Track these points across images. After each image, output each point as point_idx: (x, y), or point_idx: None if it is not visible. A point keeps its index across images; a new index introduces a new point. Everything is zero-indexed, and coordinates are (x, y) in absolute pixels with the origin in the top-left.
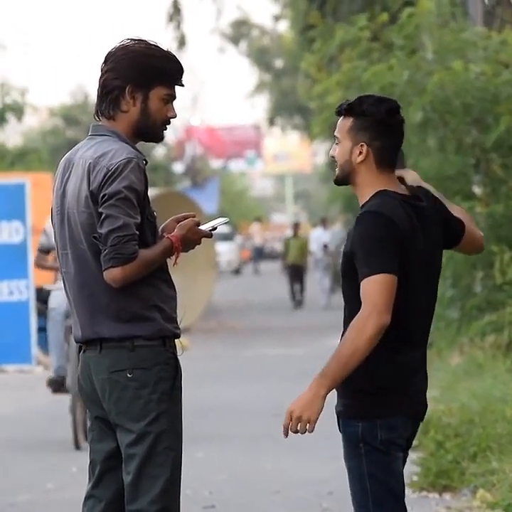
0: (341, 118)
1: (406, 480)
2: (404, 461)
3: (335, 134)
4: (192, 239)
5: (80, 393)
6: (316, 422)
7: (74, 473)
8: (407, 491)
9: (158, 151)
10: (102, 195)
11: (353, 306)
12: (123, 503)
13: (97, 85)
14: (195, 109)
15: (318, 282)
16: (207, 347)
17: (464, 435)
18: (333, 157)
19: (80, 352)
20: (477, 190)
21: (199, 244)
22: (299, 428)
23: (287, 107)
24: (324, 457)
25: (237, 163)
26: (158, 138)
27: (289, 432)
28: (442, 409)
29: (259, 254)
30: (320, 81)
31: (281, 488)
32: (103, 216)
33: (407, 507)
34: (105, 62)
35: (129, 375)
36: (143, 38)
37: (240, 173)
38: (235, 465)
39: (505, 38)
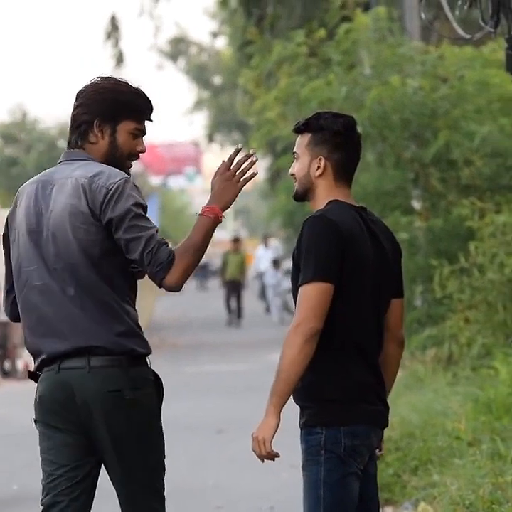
0: (299, 136)
1: None
2: (370, 470)
3: (294, 150)
4: (228, 188)
5: (43, 410)
6: (270, 440)
7: None
8: None
9: None
10: (110, 218)
11: None
12: None
13: (68, 120)
14: None
15: (258, 298)
16: (152, 359)
17: (404, 449)
18: (292, 175)
19: (43, 370)
20: (416, 204)
21: (240, 184)
22: (258, 450)
23: (226, 123)
24: (266, 472)
25: (176, 179)
26: (124, 170)
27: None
28: None
29: (204, 270)
30: (258, 97)
31: (224, 503)
32: (125, 242)
33: None
34: (76, 98)
35: (126, 397)
36: (112, 76)
37: (180, 189)
38: (178, 480)
39: (443, 53)
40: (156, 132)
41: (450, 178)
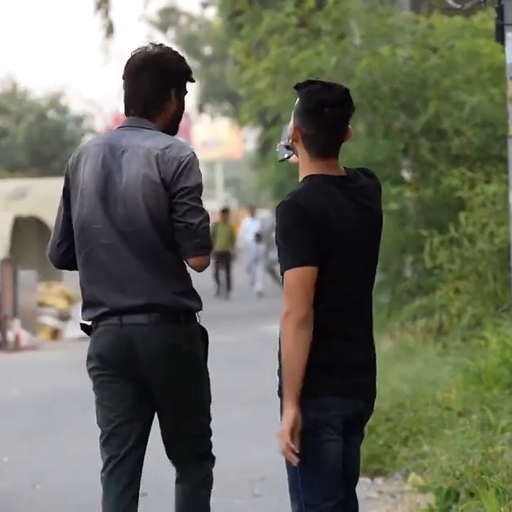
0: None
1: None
2: (355, 440)
3: None
4: None
5: (103, 362)
6: (288, 432)
7: None
8: None
9: (88, 140)
10: (182, 186)
11: None
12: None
13: (131, 87)
14: None
15: (246, 271)
16: None
17: (395, 419)
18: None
19: (101, 322)
20: (406, 175)
21: None
22: (280, 445)
23: (216, 94)
24: (258, 443)
25: None
26: (177, 130)
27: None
28: None
29: None
30: (248, 67)
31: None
32: (188, 207)
33: None
34: (138, 69)
35: (183, 350)
36: (159, 43)
37: None
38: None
39: (433, 23)
40: None
41: (440, 149)
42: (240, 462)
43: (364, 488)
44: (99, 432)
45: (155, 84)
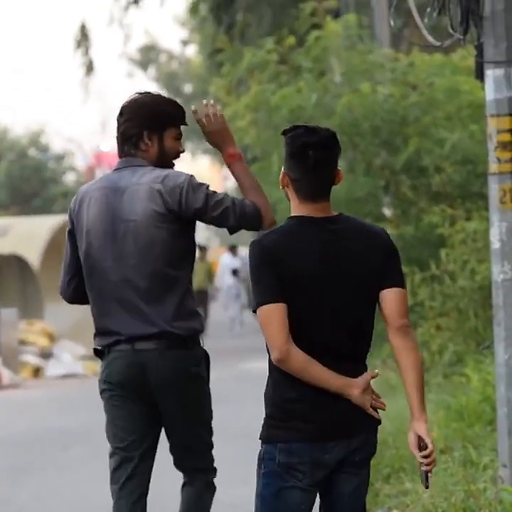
0: None
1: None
2: (347, 483)
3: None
4: (220, 132)
5: (115, 384)
6: (366, 398)
7: None
8: None
9: (69, 177)
10: (196, 208)
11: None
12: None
13: (116, 134)
14: (105, 135)
15: (224, 309)
16: None
17: (377, 456)
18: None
19: (114, 348)
20: (387, 211)
21: (220, 121)
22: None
23: (197, 131)
24: (239, 481)
25: None
26: (172, 167)
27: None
28: None
29: None
30: (229, 105)
31: None
32: (217, 218)
33: None
34: (121, 114)
35: (191, 373)
36: (148, 90)
37: None
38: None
39: (413, 60)
40: None
41: (421, 185)
42: (220, 500)
43: None
44: (80, 469)
45: (126, 128)
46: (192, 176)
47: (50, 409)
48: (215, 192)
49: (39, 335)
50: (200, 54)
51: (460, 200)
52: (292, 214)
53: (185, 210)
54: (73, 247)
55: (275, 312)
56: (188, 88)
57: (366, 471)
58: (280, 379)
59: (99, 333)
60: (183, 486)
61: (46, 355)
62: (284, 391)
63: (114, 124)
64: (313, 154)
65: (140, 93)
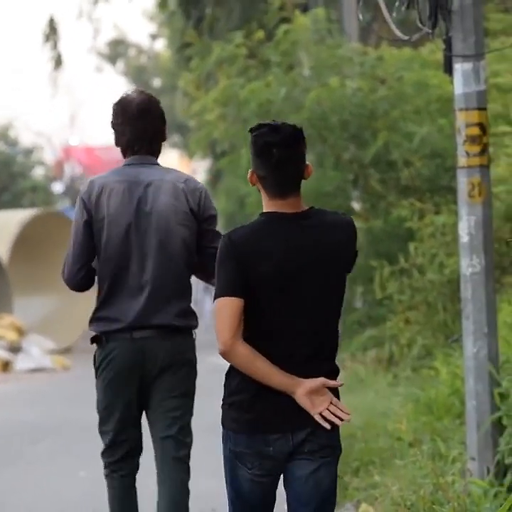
0: None
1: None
2: (301, 472)
3: None
4: None
5: (113, 369)
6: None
7: None
8: None
9: (37, 172)
10: (209, 215)
11: None
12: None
13: (136, 129)
14: (74, 129)
15: (195, 304)
16: (89, 366)
17: (346, 450)
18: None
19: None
20: (356, 205)
21: None
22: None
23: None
24: (209, 473)
25: None
26: None
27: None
28: None
29: None
30: (198, 99)
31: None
32: (215, 233)
33: None
34: (143, 114)
35: (186, 359)
36: (141, 89)
37: None
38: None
39: (382, 54)
40: (95, 135)
41: (389, 179)
42: (193, 492)
43: None
44: (49, 463)
45: (157, 126)
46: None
47: (19, 403)
48: None
49: (8, 329)
50: (169, 48)
51: (429, 194)
52: (264, 210)
53: (202, 213)
54: (88, 237)
55: (229, 306)
56: (157, 82)
57: (324, 459)
58: (230, 368)
59: (100, 319)
60: (159, 485)
61: (15, 349)
62: (231, 380)
63: (82, 117)
64: (276, 153)
65: (141, 92)
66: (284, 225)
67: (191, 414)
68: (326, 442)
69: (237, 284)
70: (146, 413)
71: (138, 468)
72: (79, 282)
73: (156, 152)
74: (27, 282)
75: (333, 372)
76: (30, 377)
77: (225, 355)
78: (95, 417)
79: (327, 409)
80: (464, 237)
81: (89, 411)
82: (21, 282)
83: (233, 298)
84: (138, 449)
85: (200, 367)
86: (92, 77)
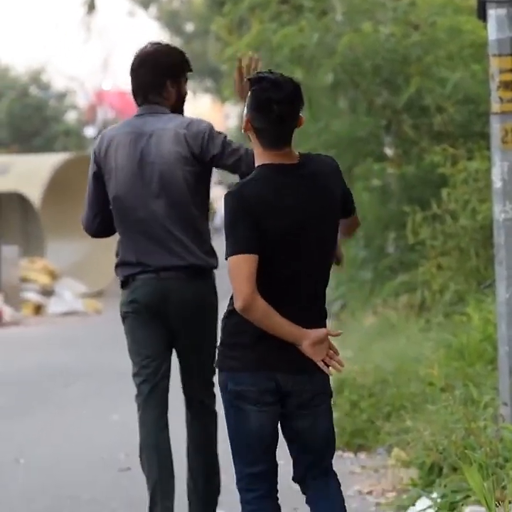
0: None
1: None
2: (303, 416)
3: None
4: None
5: (139, 308)
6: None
7: None
8: None
9: (70, 116)
10: (213, 154)
11: None
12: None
13: (134, 81)
14: (106, 73)
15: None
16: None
17: (378, 395)
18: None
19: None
20: (389, 151)
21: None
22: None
23: (198, 70)
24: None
25: None
26: (183, 112)
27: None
28: (356, 369)
29: None
30: (231, 44)
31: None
32: (232, 165)
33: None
34: (141, 65)
35: (207, 300)
36: (157, 41)
37: None
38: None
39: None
40: (127, 80)
41: (422, 125)
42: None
43: (347, 463)
44: (81, 406)
45: (151, 77)
46: (210, 123)
47: (51, 347)
48: (231, 141)
49: (40, 272)
50: None
51: (462, 140)
52: (258, 161)
53: (205, 154)
54: (98, 188)
55: (247, 262)
56: (189, 27)
57: (320, 407)
58: (232, 310)
59: (125, 264)
60: (190, 420)
61: (47, 292)
62: (231, 322)
63: (115, 61)
64: (277, 109)
65: (152, 44)
66: (287, 176)
67: (214, 356)
68: (321, 389)
69: (252, 241)
70: (176, 351)
71: (167, 409)
72: (96, 229)
73: (160, 101)
74: (59, 226)
75: (325, 317)
76: (62, 320)
77: (245, 310)
78: (127, 361)
79: (328, 355)
80: (497, 183)
81: (121, 354)
82: (54, 226)
83: (250, 255)
84: (167, 385)
85: None
86: (125, 21)
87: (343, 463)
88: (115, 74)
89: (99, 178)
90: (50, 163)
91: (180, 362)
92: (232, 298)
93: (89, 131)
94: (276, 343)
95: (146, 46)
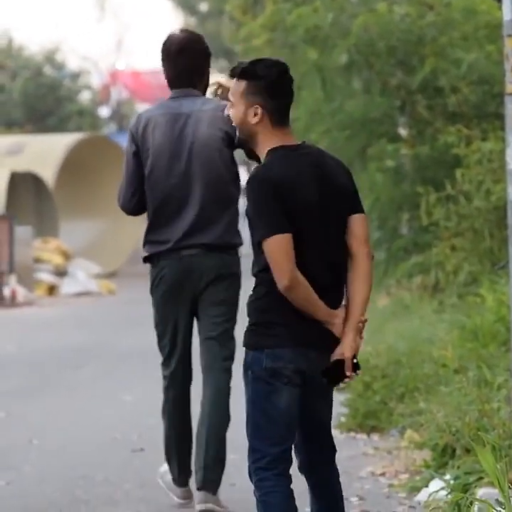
0: (235, 80)
1: (334, 421)
2: (319, 393)
3: (228, 95)
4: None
5: (166, 284)
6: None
7: None
8: (335, 432)
9: (84, 96)
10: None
11: (256, 258)
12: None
13: (178, 64)
14: (120, 53)
15: None
16: (134, 291)
17: (391, 376)
18: (228, 116)
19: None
20: (403, 132)
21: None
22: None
23: (213, 51)
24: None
25: None
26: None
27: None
28: (369, 350)
29: None
30: (245, 24)
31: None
32: None
33: (336, 448)
34: (181, 51)
35: (232, 272)
36: (185, 28)
37: None
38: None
39: None
40: (142, 60)
41: (437, 106)
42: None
43: (361, 444)
44: (94, 387)
45: (195, 63)
46: None
47: (64, 327)
48: None
49: (54, 253)
50: None
51: (476, 121)
52: (266, 145)
53: (234, 135)
54: (137, 166)
55: (284, 242)
56: (203, 7)
57: (331, 394)
58: (259, 291)
59: (150, 242)
60: (204, 388)
61: (61, 273)
62: (265, 301)
63: (129, 41)
64: (288, 79)
65: (183, 30)
66: (297, 156)
67: (234, 322)
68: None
69: (284, 220)
70: (197, 322)
71: (191, 378)
72: (133, 207)
73: (197, 85)
74: (73, 207)
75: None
76: (75, 301)
77: (290, 288)
78: (140, 342)
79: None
80: (510, 164)
81: (134, 335)
82: (67, 207)
83: (285, 234)
84: (190, 356)
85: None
86: (139, 1)
87: (356, 444)
88: (129, 54)
89: (138, 157)
90: (63, 143)
91: (198, 326)
92: (257, 281)
93: (103, 111)
94: (308, 320)
95: (176, 33)
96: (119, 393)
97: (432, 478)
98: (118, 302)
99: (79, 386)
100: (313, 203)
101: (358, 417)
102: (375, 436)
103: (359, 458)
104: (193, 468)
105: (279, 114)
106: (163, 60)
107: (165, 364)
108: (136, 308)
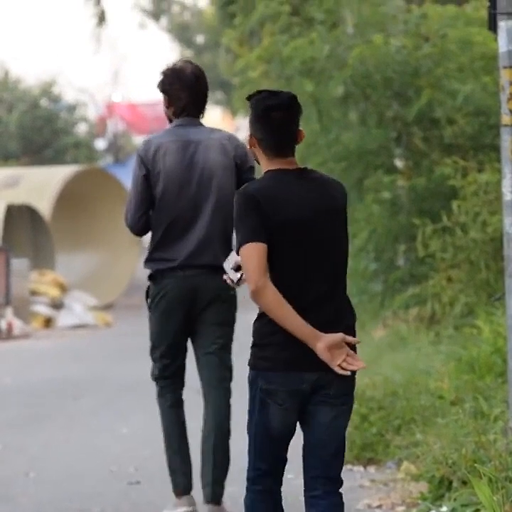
0: None
1: None
2: (323, 414)
3: None
4: None
5: (167, 300)
6: (332, 356)
7: None
8: None
9: (81, 128)
10: (249, 166)
11: None
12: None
13: (191, 94)
14: (117, 85)
15: None
16: (130, 323)
17: (387, 408)
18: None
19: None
20: (399, 163)
21: None
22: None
23: (209, 83)
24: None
25: None
26: None
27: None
28: (366, 382)
29: None
30: (241, 56)
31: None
32: (253, 176)
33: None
34: (198, 80)
35: (230, 294)
36: (187, 59)
37: None
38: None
39: (426, 12)
40: (138, 92)
41: (433, 137)
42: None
43: (357, 476)
44: (90, 419)
45: (205, 92)
46: None
47: (60, 360)
48: None
49: (50, 285)
50: (213, 5)
51: (472, 152)
52: (265, 169)
53: (244, 165)
54: (147, 188)
55: (256, 249)
56: (200, 39)
57: (343, 407)
58: (261, 313)
59: (155, 260)
60: (207, 401)
61: (57, 305)
62: (263, 323)
63: (125, 73)
64: (275, 115)
65: (186, 61)
66: (293, 178)
67: (231, 340)
68: (345, 391)
69: (261, 231)
70: (192, 339)
71: (183, 386)
72: (141, 227)
73: (202, 114)
74: (69, 239)
75: (342, 321)
76: (72, 333)
77: (256, 294)
78: (137, 374)
79: (345, 360)
80: (507, 195)
81: (131, 367)
82: (64, 239)
83: (259, 243)
84: (183, 370)
85: (237, 325)
86: (136, 33)
87: (353, 476)
88: (126, 86)
89: (148, 180)
90: (60, 176)
91: (195, 343)
92: None
93: (100, 144)
94: (301, 343)
95: (182, 63)
96: (116, 425)
97: (429, 510)
98: (114, 334)
99: (75, 418)
100: (303, 219)
101: (355, 449)
102: (372, 469)
103: (355, 490)
104: (196, 477)
105: (267, 146)
106: (174, 88)
107: (159, 374)
108: (132, 341)
